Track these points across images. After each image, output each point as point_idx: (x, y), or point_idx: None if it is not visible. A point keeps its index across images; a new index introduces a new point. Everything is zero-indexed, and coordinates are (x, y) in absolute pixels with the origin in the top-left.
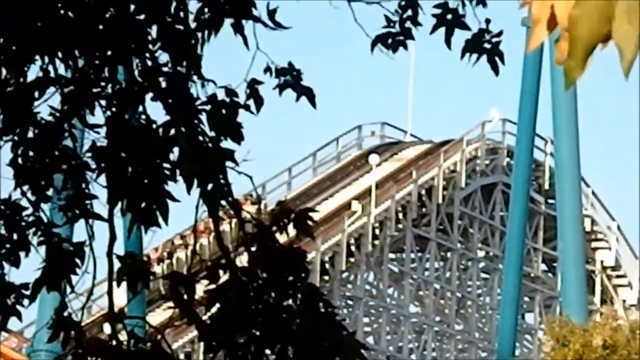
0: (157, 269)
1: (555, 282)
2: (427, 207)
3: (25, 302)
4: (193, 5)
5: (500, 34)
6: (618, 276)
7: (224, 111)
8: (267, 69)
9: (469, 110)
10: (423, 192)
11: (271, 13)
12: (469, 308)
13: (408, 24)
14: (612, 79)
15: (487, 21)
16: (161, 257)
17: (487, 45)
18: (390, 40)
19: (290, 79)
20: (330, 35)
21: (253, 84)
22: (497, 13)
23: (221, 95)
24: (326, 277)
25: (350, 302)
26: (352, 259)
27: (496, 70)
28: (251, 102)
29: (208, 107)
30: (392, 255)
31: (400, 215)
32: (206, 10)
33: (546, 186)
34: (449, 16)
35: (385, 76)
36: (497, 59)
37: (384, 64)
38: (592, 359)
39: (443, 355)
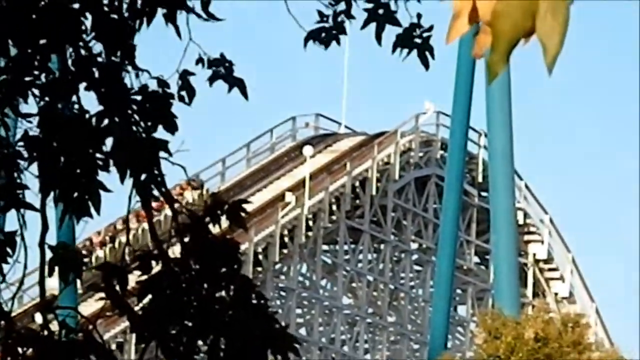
0: (100, 252)
1: (487, 275)
2: (361, 199)
3: None
4: None
5: (430, 28)
6: (550, 269)
7: (156, 102)
8: (200, 60)
9: (404, 102)
10: (357, 183)
11: (205, 4)
12: (401, 300)
13: (341, 18)
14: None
15: (419, 16)
16: (103, 240)
17: (417, 40)
18: (323, 35)
19: (222, 70)
20: (264, 26)
21: (185, 75)
22: (431, 7)
23: (153, 86)
24: (259, 269)
25: (283, 293)
26: (285, 250)
27: (426, 65)
28: (184, 93)
29: (140, 98)
30: (325, 247)
31: (334, 207)
32: (139, 1)
33: (479, 179)
34: (381, 11)
35: (319, 67)
36: (427, 53)
37: (318, 55)
38: (524, 351)
39: (375, 347)
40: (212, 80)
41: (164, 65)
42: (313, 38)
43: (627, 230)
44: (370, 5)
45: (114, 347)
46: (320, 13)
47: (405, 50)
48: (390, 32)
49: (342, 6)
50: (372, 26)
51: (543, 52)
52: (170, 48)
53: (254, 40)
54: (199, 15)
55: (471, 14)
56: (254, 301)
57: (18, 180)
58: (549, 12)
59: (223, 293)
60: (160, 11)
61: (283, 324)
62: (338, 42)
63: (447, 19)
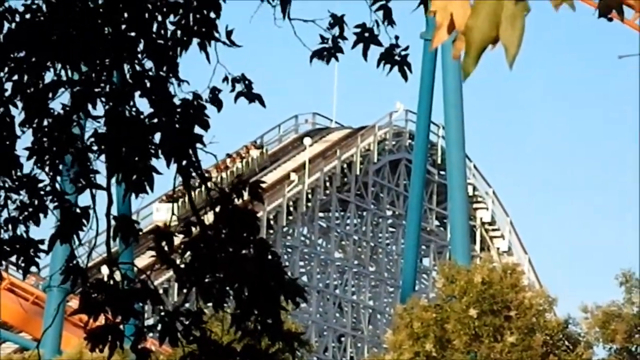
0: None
1: (445, 235)
2: (348, 177)
3: (42, 253)
4: (171, 26)
5: (407, 48)
6: (493, 230)
7: (193, 108)
8: (225, 79)
9: (380, 102)
10: (345, 166)
11: (228, 33)
12: (380, 254)
13: (338, 41)
14: (488, 77)
15: (396, 37)
16: (220, 168)
17: (397, 58)
18: (325, 53)
19: (243, 87)
20: (273, 48)
21: (215, 91)
22: (402, 31)
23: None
24: (271, 231)
25: (289, 250)
26: (290, 217)
27: (405, 77)
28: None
29: (185, 106)
30: (321, 214)
31: (328, 184)
32: (179, 32)
33: (439, 161)
34: (366, 34)
35: (316, 77)
36: (405, 68)
37: (314, 67)
38: (473, 292)
39: (360, 290)
40: (236, 98)
41: (198, 77)
42: (317, 56)
43: (553, 197)
44: (358, 30)
45: (160, 291)
46: (321, 37)
47: (388, 66)
48: (374, 52)
49: (336, 30)
50: (360, 46)
51: (506, 54)
52: (204, 67)
53: (265, 59)
54: (224, 43)
55: (449, 26)
56: (270, 257)
57: (90, 167)
58: (509, 24)
59: (245, 251)
60: (195, 40)
61: (290, 274)
62: (337, 59)
63: (415, 39)
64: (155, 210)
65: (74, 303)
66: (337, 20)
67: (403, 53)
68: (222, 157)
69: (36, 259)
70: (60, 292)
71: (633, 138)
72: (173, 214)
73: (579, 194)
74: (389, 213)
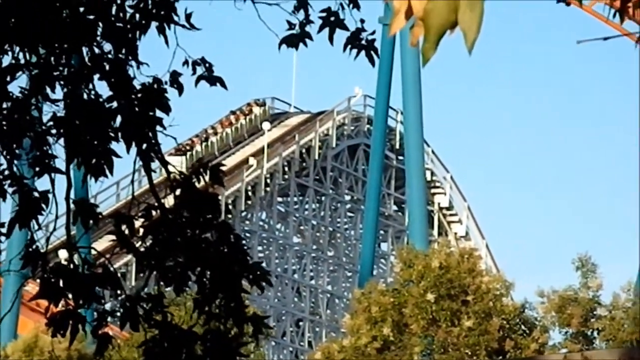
0: (198, 147)
1: (403, 219)
2: (307, 162)
3: (2, 238)
4: (130, 9)
5: (373, 32)
6: (451, 214)
7: (153, 92)
8: (185, 62)
9: (338, 87)
10: (303, 150)
11: (187, 16)
12: (338, 239)
13: (307, 27)
14: (446, 62)
15: (362, 21)
16: (200, 140)
17: (364, 42)
18: (294, 40)
19: (204, 70)
20: (233, 31)
21: (175, 75)
22: (364, 15)
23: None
24: (229, 216)
25: (248, 234)
26: (249, 202)
27: (372, 62)
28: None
29: (145, 89)
30: (279, 199)
31: (286, 168)
32: (137, 15)
33: (397, 146)
34: (332, 18)
35: (274, 60)
36: (372, 53)
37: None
38: (431, 277)
39: (318, 274)
40: (197, 81)
41: (157, 65)
42: (286, 42)
43: (510, 182)
44: (324, 14)
45: (119, 275)
46: (289, 22)
47: (355, 50)
48: (339, 34)
49: (302, 14)
50: (322, 30)
51: (465, 39)
52: (164, 51)
53: (225, 40)
54: (183, 26)
55: (407, 12)
56: (232, 240)
57: (49, 151)
58: (467, 8)
59: (208, 235)
60: (153, 24)
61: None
62: (305, 45)
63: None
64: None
65: (30, 287)
66: (302, 3)
67: (370, 37)
68: (184, 138)
69: None
70: (17, 276)
71: (590, 120)
72: (134, 198)
73: (536, 179)
74: (347, 198)
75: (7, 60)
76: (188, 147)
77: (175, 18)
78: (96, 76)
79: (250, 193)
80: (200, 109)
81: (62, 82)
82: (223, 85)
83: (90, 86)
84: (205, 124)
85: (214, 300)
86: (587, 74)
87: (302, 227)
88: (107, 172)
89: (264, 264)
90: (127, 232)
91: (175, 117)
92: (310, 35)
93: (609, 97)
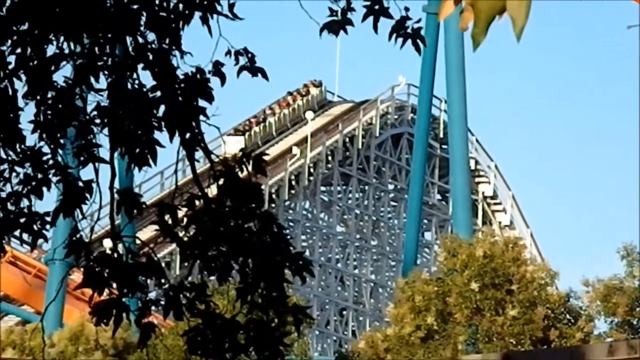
0: (256, 128)
1: (447, 208)
2: (350, 151)
3: (48, 226)
4: None
5: (419, 21)
6: (495, 204)
7: (197, 81)
8: (228, 52)
9: (382, 76)
10: (347, 140)
11: (231, 6)
12: (382, 228)
13: (349, 14)
14: (490, 51)
15: (407, 9)
16: (258, 121)
17: (409, 31)
18: (335, 26)
19: (246, 60)
20: (277, 23)
21: (217, 65)
22: (407, 3)
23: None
24: (273, 205)
25: (291, 224)
26: (292, 191)
27: (419, 51)
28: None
29: (188, 79)
30: (323, 188)
31: (330, 158)
32: (180, 5)
33: (441, 135)
34: (376, 7)
35: (318, 50)
36: (419, 41)
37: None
38: (475, 266)
39: (362, 264)
40: (239, 72)
41: (200, 55)
42: (327, 28)
43: (556, 171)
44: (368, 3)
45: (163, 264)
46: (330, 9)
47: (400, 39)
48: (383, 23)
49: (343, 2)
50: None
51: (513, 25)
52: (207, 41)
53: (270, 32)
54: (226, 16)
55: None
56: (275, 230)
57: (93, 141)
58: None
59: (251, 224)
60: (197, 14)
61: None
62: (346, 32)
63: (417, 12)
64: (223, 144)
65: (75, 276)
66: None
67: (415, 26)
68: (225, 129)
69: (44, 232)
70: (62, 265)
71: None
72: (177, 188)
73: (582, 167)
74: (391, 187)
75: (51, 50)
76: (247, 128)
77: (219, 8)
78: (140, 66)
79: (293, 182)
80: (242, 99)
81: (106, 72)
82: (265, 76)
83: (134, 76)
84: (250, 114)
85: (256, 289)
86: (632, 61)
87: (345, 217)
88: (151, 161)
89: (307, 253)
90: (170, 221)
91: (218, 107)
92: (352, 21)
93: None
